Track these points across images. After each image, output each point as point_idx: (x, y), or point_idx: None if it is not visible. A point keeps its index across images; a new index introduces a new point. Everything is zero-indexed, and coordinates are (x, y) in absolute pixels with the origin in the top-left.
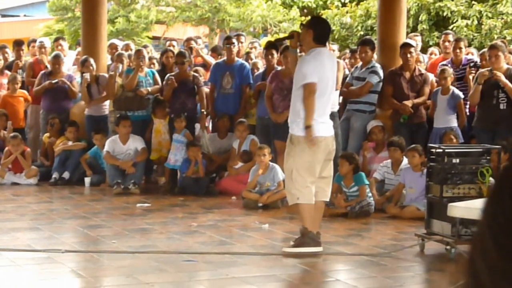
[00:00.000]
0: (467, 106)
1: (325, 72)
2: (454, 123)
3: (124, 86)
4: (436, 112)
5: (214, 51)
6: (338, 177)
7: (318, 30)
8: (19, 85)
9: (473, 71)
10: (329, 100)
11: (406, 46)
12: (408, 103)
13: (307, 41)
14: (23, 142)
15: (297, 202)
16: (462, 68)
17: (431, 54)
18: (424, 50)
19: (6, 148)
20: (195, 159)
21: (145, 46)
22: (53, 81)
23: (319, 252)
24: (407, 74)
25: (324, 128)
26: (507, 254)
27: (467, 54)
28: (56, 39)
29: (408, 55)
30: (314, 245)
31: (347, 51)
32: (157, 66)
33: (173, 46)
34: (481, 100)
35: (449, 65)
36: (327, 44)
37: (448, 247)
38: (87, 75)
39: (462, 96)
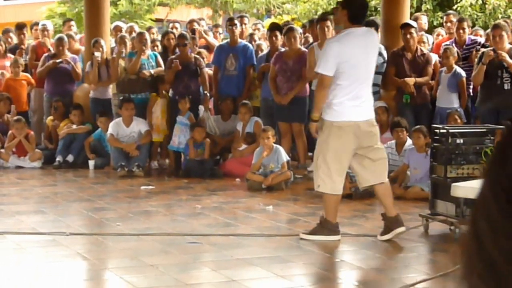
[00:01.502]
0: (471, 87)
1: (354, 54)
2: (456, 103)
3: (126, 70)
4: (439, 91)
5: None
6: None
7: (352, 9)
8: (22, 68)
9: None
10: (364, 83)
11: (407, 26)
12: (410, 80)
13: (343, 21)
14: (26, 125)
15: (318, 190)
16: (466, 48)
17: (437, 35)
18: (428, 30)
19: (10, 132)
20: (200, 140)
21: (150, 28)
22: (57, 61)
23: (336, 240)
24: (409, 55)
25: (356, 112)
26: (509, 214)
27: (476, 35)
28: (67, 21)
29: (408, 36)
30: (330, 233)
31: None
32: (160, 49)
33: (176, 28)
34: (485, 80)
35: (453, 45)
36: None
37: (452, 227)
38: (98, 55)
39: (464, 75)
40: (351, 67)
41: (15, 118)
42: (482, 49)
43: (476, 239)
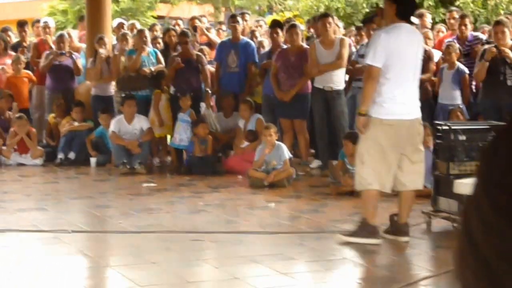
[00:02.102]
0: (473, 83)
1: (403, 47)
2: (458, 99)
3: (127, 67)
4: (441, 87)
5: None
6: (342, 154)
7: (401, 4)
8: (23, 65)
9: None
10: (412, 80)
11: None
12: None
13: (390, 16)
14: (28, 122)
15: (366, 188)
16: (468, 44)
17: (438, 31)
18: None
19: (12, 129)
20: (201, 137)
21: (153, 25)
22: (60, 52)
23: (375, 244)
24: None
25: (404, 110)
26: (501, 211)
27: (483, 32)
28: (81, 18)
29: None
30: (369, 236)
31: (353, 28)
32: (162, 46)
33: (179, 25)
34: (487, 76)
35: (455, 41)
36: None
37: (455, 224)
38: (103, 52)
39: (467, 71)
40: (399, 61)
41: (17, 115)
42: (485, 45)
43: (468, 236)
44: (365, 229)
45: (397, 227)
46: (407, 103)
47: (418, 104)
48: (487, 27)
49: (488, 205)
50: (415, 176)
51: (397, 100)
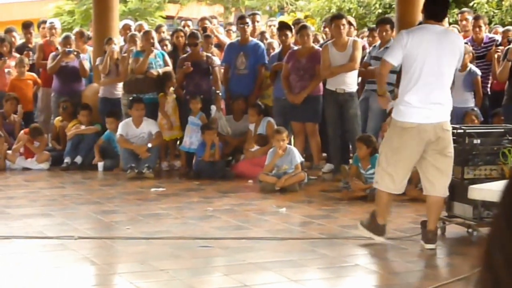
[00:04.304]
0: (488, 85)
1: (425, 49)
2: (471, 102)
3: (134, 70)
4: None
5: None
6: (356, 159)
7: (431, 4)
8: (27, 68)
9: (499, 50)
10: (437, 84)
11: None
12: None
13: (423, 16)
14: (44, 135)
15: (375, 186)
16: (484, 46)
17: None
18: None
19: (20, 134)
20: (211, 142)
21: (159, 26)
22: (67, 50)
23: (379, 242)
24: None
25: (423, 114)
26: None
27: (495, 33)
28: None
29: None
30: (374, 232)
31: (365, 29)
32: (169, 47)
33: (188, 26)
34: (510, 78)
35: (469, 43)
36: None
37: (469, 230)
38: (116, 47)
39: (479, 73)
40: (421, 63)
41: (34, 127)
42: (499, 49)
43: (491, 271)
44: (372, 224)
45: (423, 234)
46: (428, 107)
47: (443, 109)
48: (500, 28)
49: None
50: (439, 181)
51: (414, 104)
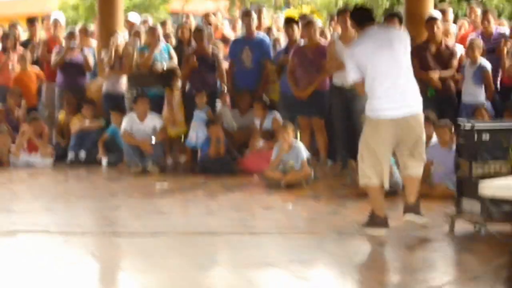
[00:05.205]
0: (498, 80)
1: (370, 52)
2: (482, 96)
3: (139, 64)
4: (464, 85)
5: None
6: None
7: (355, 14)
8: (29, 61)
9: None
10: (394, 77)
11: (432, 18)
12: (435, 73)
13: (356, 31)
14: (42, 122)
15: (360, 183)
16: (493, 40)
17: (460, 26)
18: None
19: (22, 129)
20: (216, 136)
21: (164, 22)
22: (71, 45)
23: (379, 236)
24: (433, 48)
25: (386, 107)
26: None
27: (501, 25)
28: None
29: (435, 28)
30: (374, 226)
31: None
32: (174, 42)
33: (189, 19)
34: None
35: (479, 37)
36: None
37: (477, 226)
38: (121, 38)
39: (489, 67)
40: (371, 65)
41: (32, 116)
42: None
43: None
44: (374, 220)
45: (407, 208)
46: (394, 101)
47: (413, 100)
48: (505, 21)
49: None
50: (415, 164)
51: (382, 99)
